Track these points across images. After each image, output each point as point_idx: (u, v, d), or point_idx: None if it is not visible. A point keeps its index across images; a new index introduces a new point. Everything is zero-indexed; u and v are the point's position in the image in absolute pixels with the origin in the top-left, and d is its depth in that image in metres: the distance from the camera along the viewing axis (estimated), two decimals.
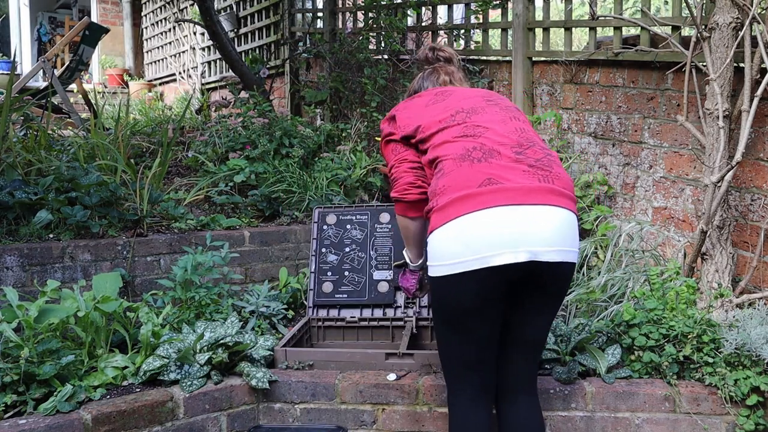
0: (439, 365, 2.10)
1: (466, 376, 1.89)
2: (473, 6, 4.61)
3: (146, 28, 9.79)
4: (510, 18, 4.25)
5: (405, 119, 2.02)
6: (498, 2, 4.37)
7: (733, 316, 2.42)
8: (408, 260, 2.23)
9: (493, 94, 2.09)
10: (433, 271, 1.79)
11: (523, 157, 1.81)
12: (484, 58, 4.56)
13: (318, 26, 5.93)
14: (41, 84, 5.69)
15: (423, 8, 4.98)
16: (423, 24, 5.02)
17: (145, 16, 9.78)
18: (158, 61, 9.44)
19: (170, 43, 8.88)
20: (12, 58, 4.91)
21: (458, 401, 1.91)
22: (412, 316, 2.91)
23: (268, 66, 5.94)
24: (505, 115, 1.95)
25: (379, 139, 2.21)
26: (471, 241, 1.70)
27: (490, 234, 1.70)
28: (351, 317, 2.96)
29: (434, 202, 1.81)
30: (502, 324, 1.86)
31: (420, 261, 2.20)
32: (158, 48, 9.41)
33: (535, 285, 1.79)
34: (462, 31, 4.74)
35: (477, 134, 1.87)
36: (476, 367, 1.88)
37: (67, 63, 6.03)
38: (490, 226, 1.70)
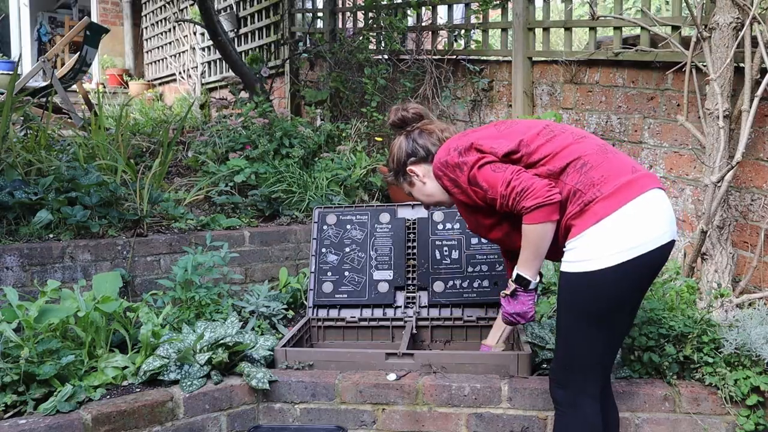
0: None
1: (598, 375, 1.91)
2: (473, 6, 4.62)
3: (146, 28, 9.78)
4: (510, 18, 4.25)
5: (492, 141, 1.95)
6: (498, 2, 4.37)
7: (733, 316, 2.42)
8: (529, 278, 1.96)
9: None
10: (601, 263, 1.75)
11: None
12: (484, 58, 4.56)
13: (318, 26, 5.92)
14: (41, 84, 5.69)
15: (423, 8, 4.98)
16: (423, 24, 5.02)
17: (145, 16, 9.77)
18: (158, 61, 9.43)
19: (170, 43, 8.87)
20: (12, 58, 4.91)
21: (586, 402, 1.88)
22: (412, 316, 2.91)
23: (268, 66, 5.94)
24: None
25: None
26: (645, 223, 1.77)
27: (656, 213, 1.80)
28: (351, 317, 2.96)
29: (594, 192, 1.80)
30: None
31: (539, 278, 2.01)
32: (158, 48, 9.40)
33: (660, 266, 1.86)
34: (462, 30, 4.74)
35: (587, 136, 1.94)
36: (607, 364, 1.94)
37: (71, 64, 6.03)
38: (656, 206, 1.80)
